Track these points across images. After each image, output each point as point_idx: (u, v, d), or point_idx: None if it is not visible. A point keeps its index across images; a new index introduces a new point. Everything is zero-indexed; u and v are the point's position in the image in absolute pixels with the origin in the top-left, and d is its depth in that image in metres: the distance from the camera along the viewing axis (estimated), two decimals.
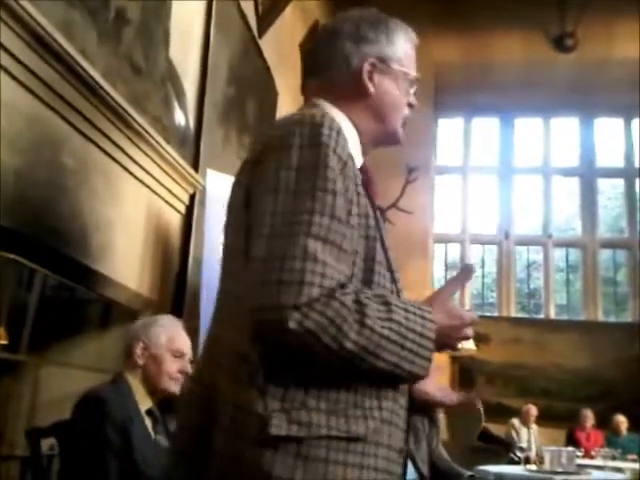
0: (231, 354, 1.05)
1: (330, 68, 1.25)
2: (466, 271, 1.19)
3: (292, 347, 0.96)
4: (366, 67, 1.23)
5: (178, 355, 2.22)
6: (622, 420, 7.66)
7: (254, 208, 1.05)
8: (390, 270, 1.15)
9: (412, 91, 1.31)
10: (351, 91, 1.24)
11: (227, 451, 0.99)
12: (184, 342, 2.27)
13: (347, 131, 1.15)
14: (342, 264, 1.01)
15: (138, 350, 2.17)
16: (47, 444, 2.14)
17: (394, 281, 1.16)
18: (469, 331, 1.14)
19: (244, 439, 0.98)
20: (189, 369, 2.25)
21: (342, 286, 0.99)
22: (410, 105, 1.31)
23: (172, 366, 2.19)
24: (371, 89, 1.24)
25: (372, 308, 0.99)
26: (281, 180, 1.02)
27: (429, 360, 1.04)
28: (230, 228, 1.17)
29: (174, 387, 2.20)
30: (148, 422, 2.11)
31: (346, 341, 0.96)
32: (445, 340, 1.10)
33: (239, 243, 1.09)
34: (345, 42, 1.24)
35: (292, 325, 0.94)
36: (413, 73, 1.29)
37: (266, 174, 1.05)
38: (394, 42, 1.27)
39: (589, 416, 7.76)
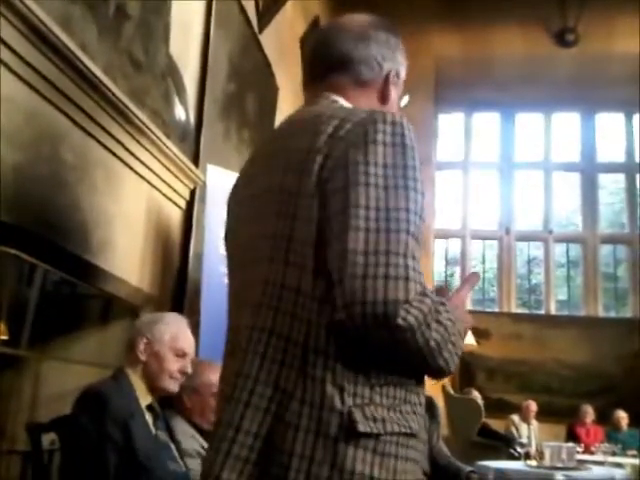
0: (294, 348, 1.02)
1: (362, 68, 1.28)
2: (474, 277, 1.25)
3: (396, 342, 0.98)
4: (392, 75, 1.30)
5: (180, 355, 2.22)
6: (623, 416, 7.66)
7: (339, 199, 1.02)
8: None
9: (401, 103, 1.39)
10: (375, 94, 1.29)
11: (303, 450, 0.98)
12: (188, 342, 2.27)
13: None
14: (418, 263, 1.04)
15: (141, 346, 2.17)
16: (48, 439, 2.14)
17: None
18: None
19: (323, 436, 0.98)
20: (189, 369, 2.24)
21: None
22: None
23: (173, 365, 2.19)
24: (392, 96, 1.30)
25: (440, 305, 1.02)
26: (371, 175, 1.02)
27: (461, 349, 1.09)
28: (268, 215, 1.12)
29: (173, 386, 2.20)
30: (149, 417, 2.11)
31: (430, 338, 0.98)
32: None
33: (290, 230, 1.07)
34: (379, 47, 1.29)
35: (400, 321, 0.95)
36: (403, 75, 1.36)
37: (352, 166, 1.03)
38: (403, 58, 1.34)
39: (589, 412, 7.77)
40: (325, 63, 1.30)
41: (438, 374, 1.06)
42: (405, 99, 1.41)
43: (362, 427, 0.97)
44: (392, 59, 1.30)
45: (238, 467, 1.02)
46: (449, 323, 1.02)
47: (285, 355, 1.03)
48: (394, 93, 1.31)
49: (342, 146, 1.06)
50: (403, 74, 1.34)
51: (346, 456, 0.97)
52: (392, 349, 0.99)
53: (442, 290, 1.15)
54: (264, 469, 1.00)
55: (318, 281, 1.03)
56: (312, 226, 1.05)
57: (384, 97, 1.30)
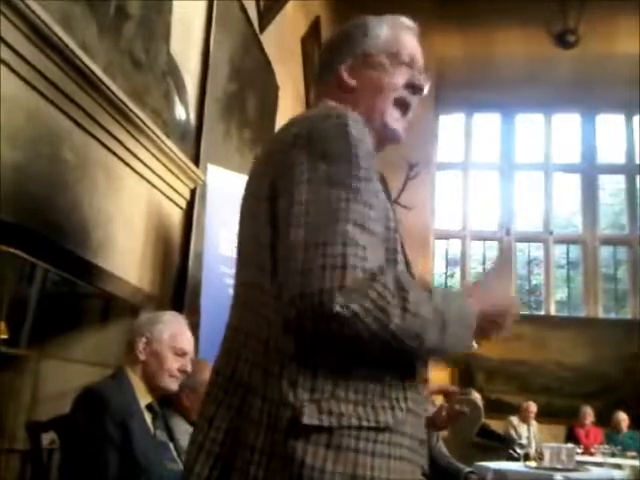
0: (257, 345, 1.05)
1: (323, 74, 1.35)
2: (504, 262, 1.25)
3: (335, 332, 0.97)
4: (342, 68, 1.31)
5: (180, 353, 2.22)
6: (623, 418, 7.66)
7: (285, 199, 1.06)
8: (407, 262, 1.19)
9: (410, 72, 1.32)
10: (339, 90, 1.30)
11: (262, 444, 0.99)
12: (187, 341, 2.27)
13: None
14: (377, 250, 1.04)
15: (140, 345, 2.17)
16: (48, 438, 2.14)
17: (410, 274, 1.19)
18: (510, 319, 1.22)
19: (277, 431, 0.99)
20: (189, 368, 2.24)
21: (382, 270, 1.01)
22: (410, 85, 1.31)
23: (173, 364, 2.19)
24: (351, 83, 1.30)
25: (414, 290, 1.01)
26: (312, 171, 1.05)
27: (468, 346, 1.11)
28: (246, 218, 1.18)
29: (173, 385, 2.20)
30: (148, 417, 2.11)
31: (389, 323, 0.97)
32: (487, 326, 1.17)
33: (256, 232, 1.12)
34: (332, 49, 1.35)
35: (337, 308, 0.95)
36: (404, 54, 1.31)
37: (297, 166, 1.07)
38: (370, 33, 1.32)
39: (589, 413, 7.76)
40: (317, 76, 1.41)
41: (419, 354, 1.07)
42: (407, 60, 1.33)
43: (308, 420, 0.97)
44: (345, 51, 1.32)
45: (209, 462, 1.05)
46: (423, 306, 1.01)
47: (251, 352, 1.06)
48: (369, 72, 1.30)
49: (291, 148, 1.10)
50: (378, 46, 1.31)
51: (296, 449, 0.97)
52: (342, 340, 0.98)
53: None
54: (231, 464, 1.02)
55: (274, 280, 1.05)
56: (268, 228, 1.09)
57: (345, 87, 1.30)
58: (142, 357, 2.16)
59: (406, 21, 1.37)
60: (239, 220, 1.24)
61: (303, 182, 1.04)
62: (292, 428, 0.98)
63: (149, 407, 2.13)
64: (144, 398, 2.12)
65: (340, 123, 1.09)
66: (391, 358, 1.04)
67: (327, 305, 0.95)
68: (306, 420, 0.97)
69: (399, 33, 1.33)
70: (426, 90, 1.35)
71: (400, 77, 1.30)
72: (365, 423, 1.00)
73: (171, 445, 2.19)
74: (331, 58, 1.34)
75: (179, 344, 2.22)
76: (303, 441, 0.97)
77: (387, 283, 0.99)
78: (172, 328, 2.23)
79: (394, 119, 1.30)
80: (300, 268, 0.98)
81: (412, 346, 1.00)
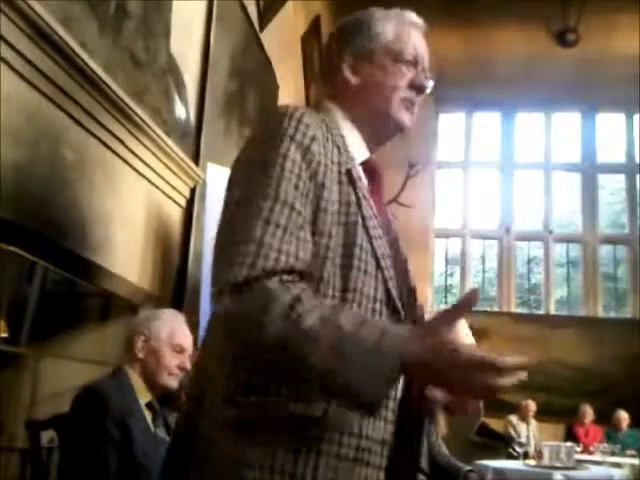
0: (219, 341, 1.10)
1: (325, 73, 1.35)
2: (469, 297, 0.97)
3: (226, 332, 1.04)
4: (343, 65, 1.29)
5: (178, 350, 2.22)
6: (624, 417, 7.65)
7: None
8: (375, 257, 1.12)
9: (413, 71, 1.30)
10: (339, 88, 1.29)
11: (206, 435, 1.04)
12: (185, 337, 2.26)
13: (346, 129, 1.23)
14: (291, 246, 1.02)
15: (139, 343, 2.17)
16: (47, 437, 2.14)
17: (380, 268, 1.12)
18: (491, 379, 0.91)
19: (213, 422, 1.04)
20: (188, 365, 2.24)
21: (290, 271, 1.01)
22: (413, 86, 1.29)
23: (172, 361, 2.18)
24: (353, 80, 1.28)
25: (310, 304, 0.95)
26: (238, 173, 1.13)
27: (375, 387, 0.90)
28: None
29: (172, 382, 2.20)
30: (148, 415, 2.11)
31: (268, 327, 0.94)
32: (434, 377, 0.96)
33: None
34: (333, 49, 1.33)
35: (227, 307, 0.99)
36: (407, 53, 1.29)
37: (232, 172, 1.15)
38: (372, 29, 1.29)
39: (588, 412, 7.77)
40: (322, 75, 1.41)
41: (306, 372, 0.95)
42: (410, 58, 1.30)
43: (228, 412, 1.01)
44: (346, 49, 1.29)
45: (182, 451, 1.11)
46: (319, 323, 0.92)
47: (216, 348, 1.10)
48: (369, 68, 1.27)
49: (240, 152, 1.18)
50: (380, 43, 1.28)
51: (224, 440, 1.01)
52: (237, 338, 1.02)
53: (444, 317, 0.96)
54: (192, 454, 1.07)
55: None
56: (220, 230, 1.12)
57: (344, 85, 1.28)
58: (141, 355, 2.16)
59: (412, 17, 1.33)
60: None
61: (233, 185, 1.12)
62: (221, 420, 1.02)
63: (149, 405, 2.13)
64: (144, 396, 2.12)
65: (273, 122, 1.12)
66: (281, 365, 0.98)
67: (217, 304, 1.02)
68: (226, 413, 1.01)
69: (404, 30, 1.30)
70: (428, 89, 1.32)
71: (402, 77, 1.28)
72: (289, 416, 0.99)
73: None
74: (333, 54, 1.32)
75: (177, 341, 2.22)
76: (232, 433, 1.01)
77: (284, 285, 0.97)
78: (170, 325, 2.23)
79: (401, 114, 1.29)
80: (215, 266, 1.04)
81: (293, 359, 0.95)
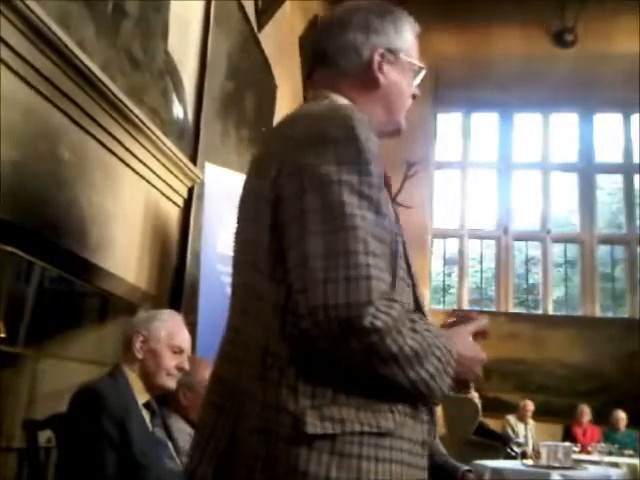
0: (256, 351, 1.03)
1: (340, 58, 1.24)
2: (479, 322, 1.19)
3: (356, 346, 0.94)
4: (376, 58, 1.23)
5: (177, 351, 2.22)
6: (622, 417, 7.66)
7: (294, 205, 1.01)
8: (407, 263, 1.15)
9: (415, 82, 1.32)
10: (361, 82, 1.24)
11: (259, 451, 0.98)
12: (184, 338, 2.27)
13: None
14: (384, 263, 1.00)
15: (137, 343, 2.17)
16: (45, 436, 2.14)
17: (411, 275, 1.15)
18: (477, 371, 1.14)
19: (277, 438, 0.97)
20: (187, 366, 2.24)
21: (393, 285, 1.01)
22: (413, 96, 1.31)
23: (170, 362, 2.19)
24: (381, 80, 1.24)
25: (416, 315, 1.00)
26: (323, 176, 1.00)
27: (451, 379, 1.03)
28: (247, 220, 1.14)
29: (171, 383, 2.20)
30: (145, 415, 2.11)
31: (405, 345, 0.95)
32: (462, 370, 1.09)
33: (256, 234, 1.08)
34: (356, 33, 1.23)
35: (366, 323, 0.92)
36: (418, 63, 1.30)
37: (305, 170, 1.02)
38: (401, 32, 1.27)
39: (586, 411, 7.78)
40: (310, 60, 1.30)
41: (414, 392, 1.00)
42: (420, 74, 1.32)
43: (312, 429, 0.95)
44: (377, 40, 1.24)
45: (211, 470, 1.04)
46: (429, 335, 0.99)
47: (249, 359, 1.04)
48: (392, 73, 1.25)
49: (295, 149, 1.05)
50: (405, 49, 1.27)
51: (299, 458, 0.95)
52: (362, 355, 0.95)
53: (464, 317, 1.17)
54: (234, 471, 1.01)
55: (272, 286, 1.03)
56: (266, 231, 1.05)
57: (372, 82, 1.24)
58: (139, 355, 2.16)
59: (416, 25, 1.32)
60: (237, 219, 1.21)
61: (314, 187, 1.00)
62: (294, 436, 0.96)
63: (147, 405, 2.13)
64: (142, 396, 2.12)
65: (348, 126, 1.04)
66: (393, 378, 0.98)
67: (355, 319, 0.93)
68: (310, 430, 0.95)
69: (414, 36, 1.30)
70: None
71: (411, 85, 1.30)
72: (367, 429, 0.98)
73: (169, 443, 2.19)
74: (353, 41, 1.24)
75: (176, 342, 2.22)
76: (306, 449, 0.95)
77: (402, 303, 0.98)
78: (169, 326, 2.23)
79: (403, 121, 1.30)
80: (322, 278, 0.95)
81: (415, 369, 0.97)
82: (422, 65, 1.30)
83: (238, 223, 1.21)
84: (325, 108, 1.13)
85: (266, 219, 1.06)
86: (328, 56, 1.25)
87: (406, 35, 1.28)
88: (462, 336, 1.12)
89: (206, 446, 1.06)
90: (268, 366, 1.01)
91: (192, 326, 2.84)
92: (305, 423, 0.95)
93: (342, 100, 1.21)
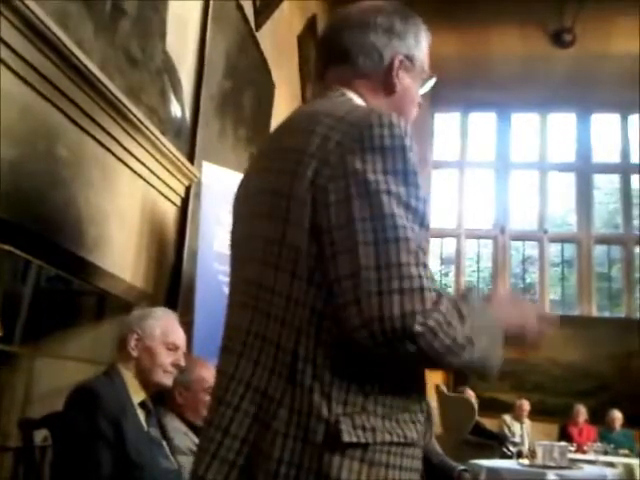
0: (281, 354, 1.02)
1: (361, 58, 1.23)
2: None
3: (413, 351, 0.95)
4: (396, 63, 1.23)
5: (172, 348, 2.22)
6: (618, 416, 7.69)
7: (341, 210, 0.99)
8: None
9: (422, 90, 1.33)
10: (379, 85, 1.24)
11: (290, 457, 0.97)
12: (178, 335, 2.27)
13: None
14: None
15: (132, 342, 2.18)
16: (40, 435, 2.14)
17: None
18: (543, 326, 1.18)
19: (309, 444, 0.97)
20: (182, 362, 2.25)
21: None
22: (418, 104, 1.32)
23: (166, 359, 2.19)
24: (398, 86, 1.24)
25: (461, 302, 1.03)
26: (372, 184, 0.99)
27: (501, 349, 1.08)
28: (259, 216, 1.11)
29: (167, 380, 2.21)
30: (141, 414, 2.11)
31: (457, 335, 0.97)
32: (516, 332, 1.15)
33: (276, 234, 1.05)
34: (379, 35, 1.23)
35: (418, 328, 0.94)
36: (426, 71, 1.31)
37: (352, 176, 1.00)
38: (420, 40, 1.28)
39: (581, 411, 7.80)
40: (326, 56, 1.28)
41: (475, 370, 1.08)
42: (430, 83, 1.34)
43: (347, 437, 0.96)
44: (397, 45, 1.23)
45: (224, 470, 1.02)
46: (475, 315, 1.03)
47: (275, 362, 1.02)
48: (406, 80, 1.25)
49: (339, 152, 1.02)
50: (421, 57, 1.27)
51: (331, 465, 0.95)
52: (419, 357, 0.97)
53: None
54: (251, 475, 1.00)
55: (310, 289, 1.01)
56: (304, 234, 1.02)
57: (389, 87, 1.23)
58: (134, 353, 2.17)
59: (428, 31, 1.32)
60: (240, 214, 1.19)
61: (362, 195, 0.98)
62: (328, 443, 0.96)
63: (142, 404, 2.14)
64: (137, 395, 2.12)
65: (395, 134, 1.03)
66: (450, 366, 1.02)
67: (410, 327, 0.93)
68: (345, 438, 0.96)
69: (427, 46, 1.31)
70: None
71: (419, 93, 1.31)
72: (395, 439, 1.00)
73: (164, 443, 2.20)
74: (376, 43, 1.23)
75: (171, 339, 2.23)
76: (339, 456, 0.96)
77: (449, 298, 1.00)
78: (163, 323, 2.24)
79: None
80: (375, 290, 0.95)
81: (470, 353, 1.00)
82: (432, 74, 1.31)
83: (240, 218, 1.19)
84: (358, 109, 1.11)
85: (296, 218, 1.03)
86: (349, 54, 1.23)
87: (423, 43, 1.29)
88: (504, 303, 1.17)
89: (218, 448, 1.04)
90: (299, 371, 1.00)
91: (189, 325, 2.84)
92: (341, 431, 0.96)
93: (357, 99, 1.20)
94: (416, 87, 1.29)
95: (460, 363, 1.00)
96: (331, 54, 1.26)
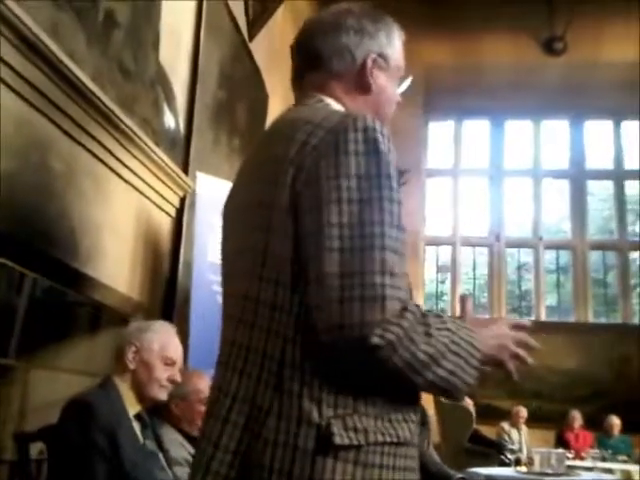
0: (266, 362, 1.01)
1: (334, 61, 1.23)
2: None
3: (370, 362, 0.95)
4: (369, 62, 1.23)
5: (169, 363, 2.21)
6: (616, 422, 7.68)
7: (313, 217, 1.00)
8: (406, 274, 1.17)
9: (400, 90, 1.33)
10: (353, 86, 1.24)
11: (281, 465, 0.96)
12: (176, 350, 2.26)
13: None
14: (405, 274, 1.01)
15: (129, 354, 2.16)
16: (36, 448, 2.13)
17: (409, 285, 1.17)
18: (519, 349, 1.15)
19: (300, 451, 0.96)
20: (178, 378, 2.23)
21: (409, 296, 1.01)
22: (397, 103, 1.32)
23: (162, 374, 2.18)
24: (373, 85, 1.24)
25: (432, 318, 1.01)
26: (343, 190, 0.99)
27: (477, 369, 1.04)
28: (249, 228, 1.10)
29: (162, 395, 2.19)
30: (136, 426, 2.10)
31: (418, 351, 0.96)
32: (492, 353, 1.10)
33: (262, 243, 1.05)
34: (350, 36, 1.23)
35: (375, 340, 0.93)
36: (402, 70, 1.32)
37: (323, 180, 1.00)
38: (392, 39, 1.28)
39: (577, 417, 7.79)
40: (301, 63, 1.30)
41: (437, 391, 1.02)
42: (406, 82, 1.35)
43: (339, 439, 0.95)
44: (369, 44, 1.23)
45: None
46: (445, 334, 1.00)
47: (261, 371, 1.02)
48: (381, 78, 1.25)
49: (314, 157, 1.02)
50: (394, 56, 1.27)
51: (325, 469, 0.95)
52: (377, 370, 0.97)
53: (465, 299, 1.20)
54: None
55: (294, 297, 1.01)
56: (288, 241, 1.02)
57: (364, 86, 1.23)
58: (131, 366, 2.15)
59: (401, 31, 1.32)
60: (232, 230, 1.18)
61: (333, 201, 0.98)
62: (320, 448, 0.95)
63: (138, 416, 2.12)
64: (133, 407, 2.11)
65: (370, 138, 1.02)
66: (412, 382, 0.99)
67: (366, 338, 0.93)
68: (337, 440, 0.95)
69: (401, 45, 1.31)
70: None
71: (396, 92, 1.31)
72: (388, 439, 1.00)
73: (160, 455, 2.18)
74: (348, 44, 1.23)
75: (168, 353, 2.21)
76: (332, 460, 0.95)
77: (415, 311, 0.98)
78: (162, 337, 2.23)
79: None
80: (337, 297, 0.95)
81: (433, 371, 0.98)
82: (407, 73, 1.32)
83: (230, 232, 1.19)
84: (332, 113, 1.11)
85: (279, 227, 1.04)
86: (322, 58, 1.24)
87: (395, 42, 1.29)
88: (482, 323, 1.14)
89: (210, 462, 1.03)
90: (286, 378, 0.99)
91: (184, 336, 2.83)
92: (332, 434, 0.95)
93: (334, 104, 1.21)
94: (392, 86, 1.29)
95: (424, 382, 0.98)
96: (306, 60, 1.28)
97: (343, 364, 0.98)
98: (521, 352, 1.14)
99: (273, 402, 0.99)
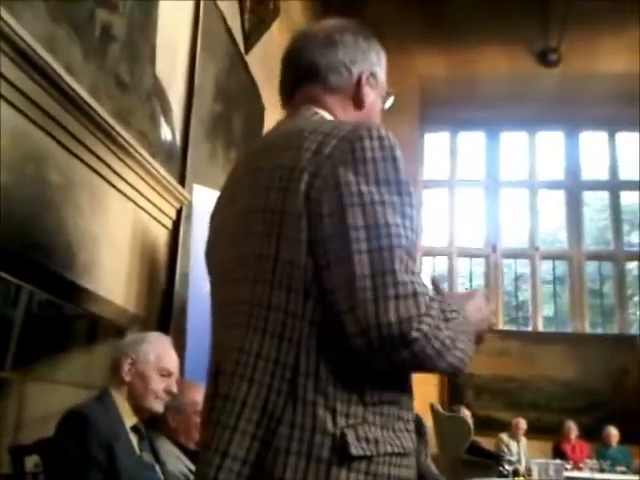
0: (279, 370, 1.01)
1: (331, 75, 1.26)
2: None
3: (409, 356, 0.97)
4: (364, 79, 1.27)
5: (165, 374, 2.21)
6: (614, 433, 7.66)
7: (334, 221, 1.01)
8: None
9: (384, 107, 1.37)
10: (348, 100, 1.27)
11: (294, 475, 0.96)
12: (172, 361, 2.26)
13: None
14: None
15: (125, 366, 2.16)
16: (32, 462, 2.12)
17: None
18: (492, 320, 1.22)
19: (314, 460, 0.96)
20: (174, 389, 2.23)
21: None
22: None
23: (158, 385, 2.18)
24: (366, 101, 1.27)
25: (444, 304, 1.04)
26: (365, 194, 1.01)
27: (473, 347, 1.10)
28: (250, 234, 1.11)
29: (158, 406, 2.19)
30: (133, 438, 2.09)
31: (444, 337, 0.99)
32: (479, 329, 1.16)
33: (270, 250, 1.06)
34: (347, 52, 1.27)
35: (414, 334, 0.96)
36: (385, 88, 1.35)
37: (343, 186, 1.02)
38: (380, 58, 1.32)
39: (572, 428, 7.78)
40: (295, 74, 1.31)
41: (453, 371, 1.06)
42: (390, 100, 1.38)
43: (355, 450, 0.96)
44: (363, 61, 1.27)
45: None
46: (455, 315, 1.04)
47: (273, 379, 1.01)
48: (371, 96, 1.29)
49: (329, 165, 1.04)
50: (381, 75, 1.32)
51: (338, 479, 0.95)
52: (414, 363, 0.99)
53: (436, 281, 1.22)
54: None
55: (308, 303, 1.02)
56: (301, 247, 1.02)
57: (358, 102, 1.27)
58: (127, 378, 2.15)
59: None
60: (228, 237, 1.17)
61: (356, 205, 1.00)
62: (335, 457, 0.95)
63: (134, 428, 2.12)
64: (129, 419, 2.11)
65: (385, 146, 1.06)
66: (435, 369, 1.04)
67: (407, 333, 0.95)
68: (353, 451, 0.95)
69: (378, 55, 1.33)
70: None
71: (381, 109, 1.34)
72: (395, 449, 1.01)
73: (157, 467, 2.18)
74: (344, 60, 1.26)
75: (165, 364, 2.21)
76: (346, 470, 0.96)
77: (438, 300, 1.03)
78: (157, 349, 2.23)
79: None
80: (371, 297, 0.96)
81: (453, 354, 1.02)
82: (391, 91, 1.36)
83: (226, 240, 1.18)
84: (340, 124, 1.14)
85: (291, 233, 1.04)
86: (319, 72, 1.26)
87: (383, 61, 1.33)
88: (462, 298, 1.19)
89: (217, 472, 1.01)
90: (300, 385, 0.99)
91: (180, 348, 2.83)
92: (348, 444, 0.96)
93: (328, 116, 1.23)
94: (378, 103, 1.33)
95: (445, 366, 1.02)
96: (299, 73, 1.29)
97: (376, 363, 1.00)
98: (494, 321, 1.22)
99: (285, 410, 0.99)
